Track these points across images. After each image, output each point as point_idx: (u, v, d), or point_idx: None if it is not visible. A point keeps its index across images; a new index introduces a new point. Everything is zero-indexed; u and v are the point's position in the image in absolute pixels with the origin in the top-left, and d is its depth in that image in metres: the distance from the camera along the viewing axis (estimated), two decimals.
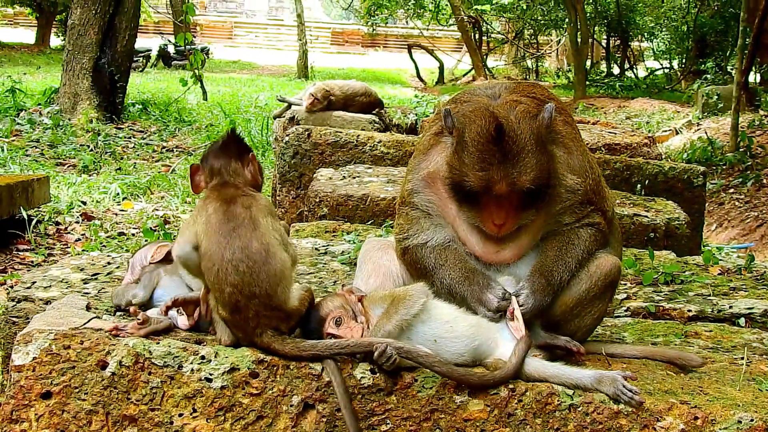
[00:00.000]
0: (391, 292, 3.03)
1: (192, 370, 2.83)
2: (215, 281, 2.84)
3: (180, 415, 2.83)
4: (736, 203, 11.88)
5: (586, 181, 3.27)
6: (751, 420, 2.77)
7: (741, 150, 13.26)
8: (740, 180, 12.38)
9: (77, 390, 2.83)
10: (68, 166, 10.35)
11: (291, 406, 2.83)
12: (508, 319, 3.07)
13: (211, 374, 2.83)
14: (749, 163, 12.81)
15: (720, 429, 2.77)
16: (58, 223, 7.97)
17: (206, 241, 2.84)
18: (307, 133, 7.72)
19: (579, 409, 2.82)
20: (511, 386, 2.84)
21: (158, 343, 2.88)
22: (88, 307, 3.30)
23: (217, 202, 2.90)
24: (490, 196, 3.07)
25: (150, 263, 3.44)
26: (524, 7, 30.36)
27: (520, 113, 3.10)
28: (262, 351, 2.88)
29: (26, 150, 10.71)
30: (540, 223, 3.24)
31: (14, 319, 3.98)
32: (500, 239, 3.21)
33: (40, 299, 4.00)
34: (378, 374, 2.84)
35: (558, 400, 2.82)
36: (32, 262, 6.93)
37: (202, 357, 2.85)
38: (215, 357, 2.85)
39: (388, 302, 2.95)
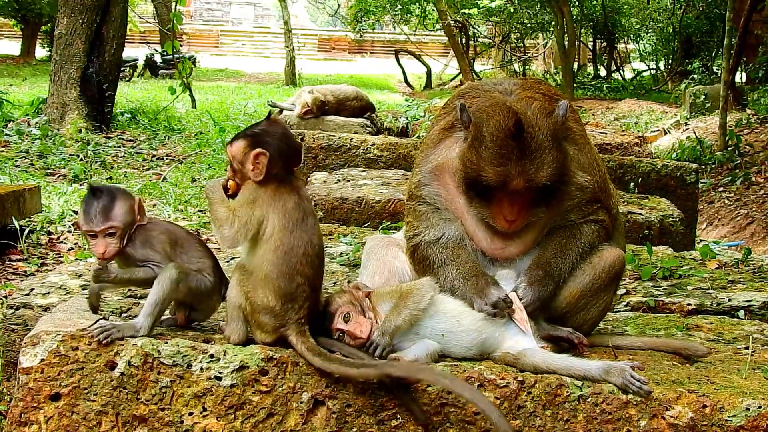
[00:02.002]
0: (398, 287, 3.04)
1: (201, 368, 2.83)
2: (285, 270, 2.84)
3: (190, 414, 2.82)
4: (726, 201, 11.91)
5: (594, 179, 3.29)
6: (759, 407, 2.79)
7: (729, 149, 13.30)
8: (729, 178, 12.42)
9: (86, 391, 2.82)
10: (58, 176, 10.26)
11: (301, 402, 2.83)
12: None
13: (220, 373, 2.83)
14: (738, 162, 12.85)
15: (729, 416, 2.78)
16: (50, 233, 7.91)
17: (283, 234, 2.85)
18: (299, 137, 7.73)
19: (588, 399, 2.83)
20: (520, 379, 2.85)
21: (167, 342, 2.87)
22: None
23: (294, 195, 2.91)
24: (505, 191, 3.09)
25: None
26: (511, 11, 30.39)
27: (536, 109, 3.13)
28: (288, 346, 2.87)
29: (15, 161, 10.61)
30: (547, 219, 3.25)
31: (13, 326, 3.97)
32: (508, 235, 3.22)
33: (39, 306, 3.98)
34: None
35: (567, 392, 2.83)
36: (25, 272, 6.88)
37: (211, 355, 2.85)
38: (224, 355, 2.85)
39: (395, 297, 2.96)
